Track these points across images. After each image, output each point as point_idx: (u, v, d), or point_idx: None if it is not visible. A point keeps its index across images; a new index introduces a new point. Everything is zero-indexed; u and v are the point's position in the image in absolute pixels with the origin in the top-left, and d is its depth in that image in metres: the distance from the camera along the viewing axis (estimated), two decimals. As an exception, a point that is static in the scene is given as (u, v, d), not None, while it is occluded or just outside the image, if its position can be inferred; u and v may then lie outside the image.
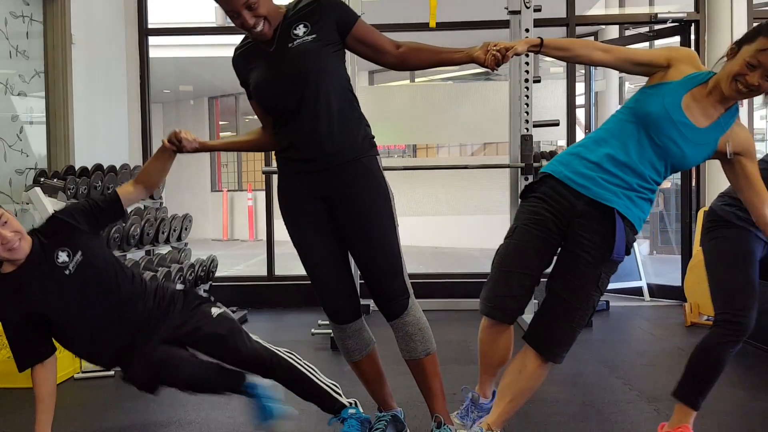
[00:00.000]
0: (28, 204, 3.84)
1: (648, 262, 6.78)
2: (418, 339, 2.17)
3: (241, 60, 2.18)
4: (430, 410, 2.25)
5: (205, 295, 2.53)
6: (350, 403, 2.33)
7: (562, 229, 2.12)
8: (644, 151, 2.06)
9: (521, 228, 2.15)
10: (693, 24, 5.17)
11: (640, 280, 5.57)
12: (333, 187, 2.10)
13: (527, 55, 4.24)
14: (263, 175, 5.02)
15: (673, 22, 5.22)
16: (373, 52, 2.14)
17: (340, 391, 2.35)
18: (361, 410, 2.34)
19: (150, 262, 4.38)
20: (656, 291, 5.53)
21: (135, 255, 4.41)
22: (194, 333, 2.26)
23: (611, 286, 5.47)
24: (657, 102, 2.06)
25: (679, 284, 5.19)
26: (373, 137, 2.18)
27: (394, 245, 2.13)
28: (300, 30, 2.04)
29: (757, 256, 2.32)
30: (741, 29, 5.01)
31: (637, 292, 5.56)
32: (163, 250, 4.71)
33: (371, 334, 2.29)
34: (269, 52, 2.08)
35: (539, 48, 2.06)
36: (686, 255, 5.20)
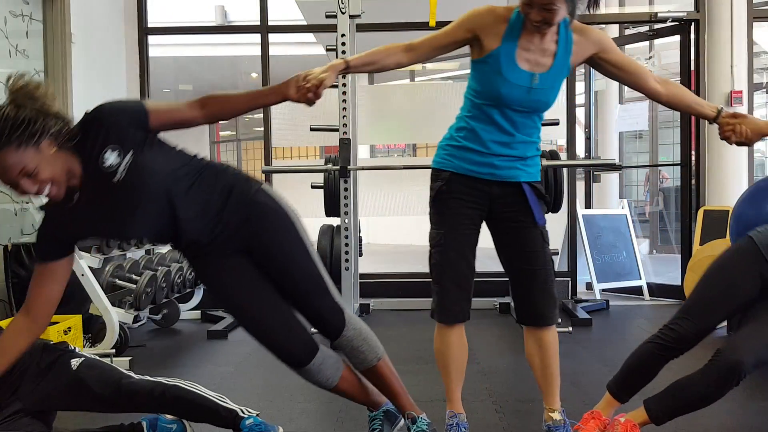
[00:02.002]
0: (28, 203, 3.85)
1: (648, 262, 6.78)
2: (365, 348, 2.15)
3: (59, 214, 1.97)
4: (399, 410, 2.24)
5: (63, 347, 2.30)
6: (242, 411, 2.21)
7: (484, 215, 2.22)
8: (516, 121, 2.11)
9: (452, 232, 2.19)
10: (693, 23, 5.17)
11: (640, 279, 5.58)
12: (240, 243, 2.04)
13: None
14: (263, 175, 5.01)
15: (672, 21, 5.22)
16: (181, 125, 2.02)
17: (228, 401, 2.24)
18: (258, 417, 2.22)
19: (150, 261, 4.39)
20: (656, 290, 5.53)
21: (135, 254, 4.42)
22: (49, 398, 2.17)
23: (611, 285, 5.50)
24: (499, 81, 2.06)
25: (679, 283, 5.20)
26: (238, 170, 2.10)
27: (314, 267, 2.08)
28: (111, 157, 1.88)
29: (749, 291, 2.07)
30: (741, 28, 5.02)
31: (636, 291, 5.56)
32: (163, 249, 4.72)
33: (335, 354, 2.19)
34: (95, 199, 1.92)
35: (347, 70, 2.06)
36: (686, 254, 5.21)
